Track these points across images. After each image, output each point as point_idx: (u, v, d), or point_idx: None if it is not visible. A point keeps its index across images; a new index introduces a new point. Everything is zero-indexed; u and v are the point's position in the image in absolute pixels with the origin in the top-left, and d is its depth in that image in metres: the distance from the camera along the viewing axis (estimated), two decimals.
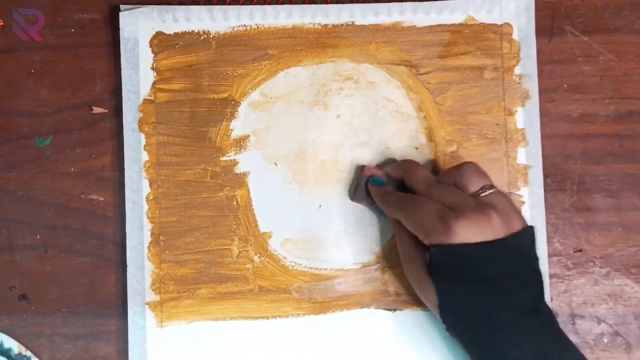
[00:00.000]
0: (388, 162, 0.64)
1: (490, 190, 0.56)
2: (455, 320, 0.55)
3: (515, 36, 0.65)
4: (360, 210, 0.64)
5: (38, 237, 0.65)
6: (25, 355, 0.63)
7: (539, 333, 0.53)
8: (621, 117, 0.66)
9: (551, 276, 0.64)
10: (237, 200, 0.64)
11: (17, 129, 0.65)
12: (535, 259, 0.56)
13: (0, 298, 0.64)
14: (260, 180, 0.64)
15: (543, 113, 0.65)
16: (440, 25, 0.65)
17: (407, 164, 0.62)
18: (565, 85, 0.66)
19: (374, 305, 0.64)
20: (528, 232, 0.56)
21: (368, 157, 0.65)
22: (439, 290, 0.55)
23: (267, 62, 0.65)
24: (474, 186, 0.57)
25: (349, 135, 0.65)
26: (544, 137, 0.65)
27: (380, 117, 0.65)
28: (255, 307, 0.64)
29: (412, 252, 0.58)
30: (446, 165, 0.65)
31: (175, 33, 0.64)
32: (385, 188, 0.62)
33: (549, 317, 0.55)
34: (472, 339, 0.55)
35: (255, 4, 0.65)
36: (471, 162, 0.60)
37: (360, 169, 0.64)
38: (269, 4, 0.65)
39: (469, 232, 0.53)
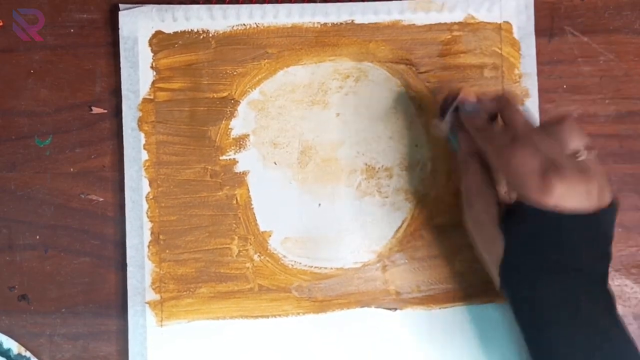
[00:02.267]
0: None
1: (591, 154, 0.53)
2: (515, 280, 0.53)
3: (514, 35, 0.65)
4: (361, 209, 0.64)
5: (38, 237, 0.65)
6: (25, 356, 0.63)
7: (595, 317, 0.51)
8: (621, 118, 0.66)
9: None
10: (236, 199, 0.64)
11: (17, 129, 0.65)
12: (611, 238, 0.54)
13: (0, 298, 0.64)
14: (260, 179, 0.64)
15: (543, 113, 0.65)
16: (440, 23, 0.65)
17: (509, 100, 0.58)
18: (565, 86, 0.66)
19: (375, 304, 0.64)
20: (614, 208, 0.53)
21: (367, 156, 0.65)
22: (509, 247, 0.53)
23: (266, 61, 0.65)
24: (574, 145, 0.53)
25: (348, 133, 0.65)
26: None
27: (380, 116, 0.65)
28: (256, 306, 0.64)
29: (485, 200, 0.56)
30: (444, 170, 0.65)
31: (174, 32, 0.65)
32: (481, 117, 0.58)
33: (610, 301, 0.52)
34: (527, 302, 0.52)
35: (255, 2, 0.65)
36: (573, 118, 0.58)
37: (451, 97, 0.60)
38: (268, 2, 0.65)
39: (567, 195, 0.50)
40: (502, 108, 0.58)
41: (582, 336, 0.51)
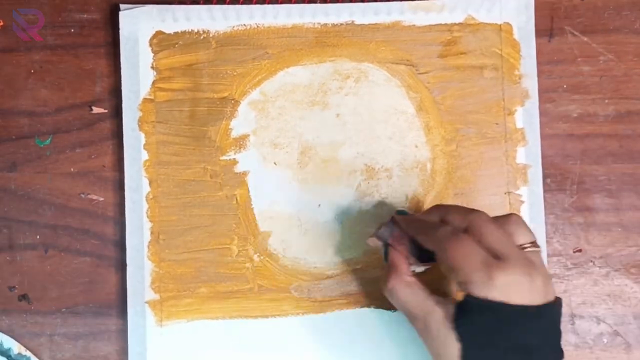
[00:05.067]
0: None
1: (537, 249, 0.53)
2: None
3: (514, 35, 0.65)
4: (360, 209, 0.64)
5: (38, 236, 0.65)
6: (25, 355, 0.63)
7: None
8: (620, 117, 0.66)
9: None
10: (236, 200, 0.64)
11: (17, 129, 0.65)
12: (560, 333, 0.52)
13: (0, 298, 0.64)
14: (260, 180, 0.64)
15: (542, 113, 0.65)
16: (440, 24, 0.65)
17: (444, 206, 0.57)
18: (564, 85, 0.66)
19: (374, 304, 0.64)
20: (559, 305, 0.52)
21: (367, 157, 0.65)
22: (465, 346, 0.50)
23: (266, 61, 0.65)
24: (522, 238, 0.53)
25: (348, 134, 0.65)
26: (543, 137, 0.65)
27: (379, 116, 0.65)
28: (255, 306, 0.64)
29: (429, 303, 0.53)
30: (443, 170, 0.65)
31: (175, 32, 0.65)
32: (414, 216, 0.58)
33: None
34: None
35: (255, 3, 0.65)
36: (519, 215, 0.56)
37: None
38: (268, 3, 0.65)
39: (511, 289, 0.49)
40: (439, 211, 0.56)
41: None
